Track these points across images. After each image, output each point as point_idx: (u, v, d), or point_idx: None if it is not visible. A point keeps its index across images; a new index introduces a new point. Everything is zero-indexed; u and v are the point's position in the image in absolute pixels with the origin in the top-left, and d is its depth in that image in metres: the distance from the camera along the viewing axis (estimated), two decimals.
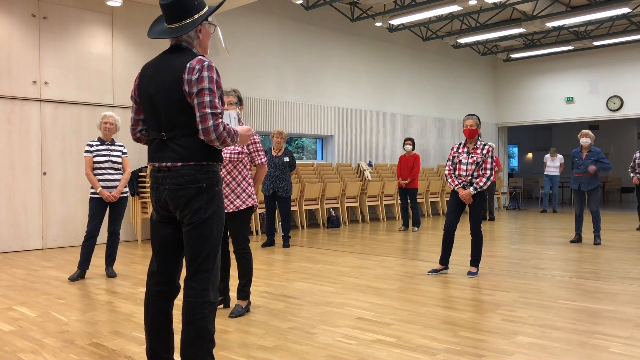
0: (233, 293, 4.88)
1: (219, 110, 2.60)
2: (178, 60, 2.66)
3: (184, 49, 2.73)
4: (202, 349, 2.66)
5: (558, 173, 14.80)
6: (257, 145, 4.41)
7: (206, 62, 2.63)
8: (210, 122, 2.57)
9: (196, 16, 2.69)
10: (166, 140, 2.69)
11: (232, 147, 4.32)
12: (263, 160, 4.45)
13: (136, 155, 9.09)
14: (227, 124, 2.67)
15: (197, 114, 2.58)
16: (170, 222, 2.79)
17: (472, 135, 5.94)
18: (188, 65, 2.61)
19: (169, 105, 2.66)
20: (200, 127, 2.58)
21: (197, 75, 2.59)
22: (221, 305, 4.64)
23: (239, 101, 4.41)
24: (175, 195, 2.67)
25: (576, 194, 8.61)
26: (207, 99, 2.58)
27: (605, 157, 8.46)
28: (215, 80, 2.63)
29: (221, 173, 4.32)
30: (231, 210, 4.32)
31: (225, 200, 4.31)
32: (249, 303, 4.50)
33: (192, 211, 2.66)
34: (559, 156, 14.86)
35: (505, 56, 17.27)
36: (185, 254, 2.75)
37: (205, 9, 2.74)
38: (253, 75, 11.11)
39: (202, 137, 2.60)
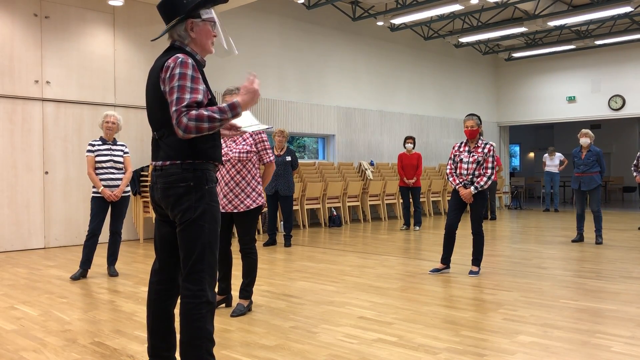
0: (235, 292, 4.88)
1: (183, 105, 2.50)
2: (161, 60, 2.68)
3: (176, 48, 2.74)
4: (201, 349, 2.66)
5: (558, 171, 14.79)
6: (265, 143, 4.43)
7: (180, 59, 2.59)
8: (174, 120, 2.51)
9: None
10: (158, 140, 2.72)
11: (241, 146, 4.32)
12: (271, 158, 4.45)
13: (137, 154, 9.10)
14: (196, 111, 2.50)
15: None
16: (168, 220, 2.80)
17: (473, 135, 5.94)
18: (165, 64, 2.62)
19: (154, 106, 2.69)
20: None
21: (169, 73, 2.59)
22: (223, 305, 4.64)
23: None
24: (165, 194, 2.68)
25: (577, 193, 8.60)
26: (175, 96, 2.54)
27: (603, 157, 8.48)
28: (190, 76, 2.56)
29: (231, 172, 4.33)
30: (242, 210, 4.33)
31: (236, 200, 4.33)
32: (251, 302, 4.51)
33: (181, 211, 2.66)
34: (558, 154, 14.85)
35: (507, 55, 17.26)
36: (180, 255, 2.75)
37: None
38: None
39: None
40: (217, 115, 2.51)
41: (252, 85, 2.64)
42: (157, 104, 2.67)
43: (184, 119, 2.47)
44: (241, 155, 4.31)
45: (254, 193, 4.36)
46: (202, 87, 2.60)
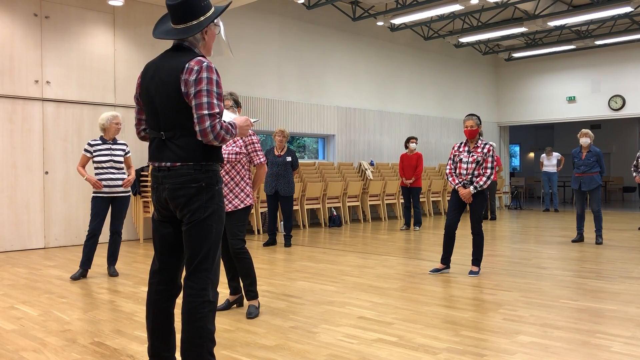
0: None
1: (216, 111, 2.59)
2: (177, 60, 2.66)
3: (185, 49, 2.73)
4: (202, 348, 2.66)
5: (555, 171, 14.80)
6: (256, 145, 4.40)
7: (205, 63, 2.62)
8: (207, 124, 2.56)
9: (202, 18, 2.69)
10: (165, 140, 2.70)
11: (230, 148, 4.32)
12: (262, 160, 4.44)
13: (137, 154, 9.10)
14: (224, 122, 2.66)
15: (195, 116, 2.59)
16: (171, 221, 2.80)
17: (472, 135, 5.94)
18: (187, 65, 2.62)
19: (167, 106, 2.67)
20: (197, 128, 2.58)
21: (194, 76, 2.59)
22: (235, 305, 4.64)
23: (236, 104, 4.41)
24: (175, 194, 2.68)
25: (577, 193, 8.61)
26: (205, 100, 2.57)
27: (603, 157, 8.50)
28: (215, 81, 2.62)
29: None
30: (229, 210, 4.31)
31: (224, 201, 4.31)
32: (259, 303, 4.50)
33: (191, 210, 2.67)
34: (555, 154, 14.86)
35: (507, 55, 17.26)
36: (184, 253, 2.75)
37: (212, 10, 2.74)
38: (254, 75, 11.12)
39: (200, 139, 2.60)
40: (233, 131, 2.69)
41: (245, 122, 2.86)
42: (172, 105, 2.65)
43: (218, 126, 2.59)
44: (230, 156, 4.30)
45: (242, 194, 4.34)
46: (222, 92, 2.71)
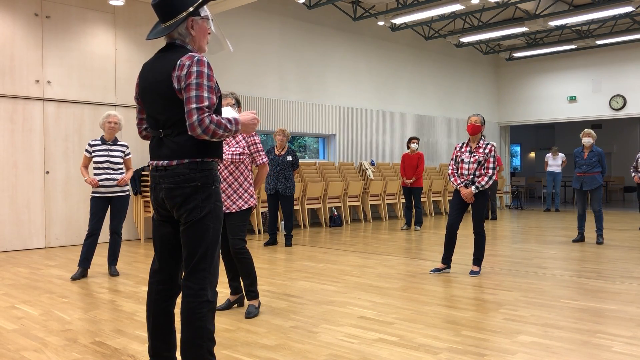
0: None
1: (205, 104, 2.55)
2: (170, 58, 2.66)
3: (177, 47, 2.73)
4: (202, 348, 2.66)
5: (560, 170, 14.81)
6: (258, 145, 4.42)
7: (196, 57, 2.61)
8: (194, 118, 2.53)
9: (184, 13, 2.69)
10: (163, 138, 2.70)
11: (234, 149, 4.32)
12: (264, 160, 4.45)
13: (138, 154, 9.11)
14: (216, 116, 2.59)
15: (185, 110, 2.57)
16: (170, 221, 2.80)
17: (475, 131, 5.93)
18: (178, 62, 2.61)
19: (163, 104, 2.67)
20: (187, 123, 2.57)
21: (185, 71, 2.58)
22: (235, 305, 4.64)
23: (237, 103, 4.43)
24: (171, 194, 2.67)
25: (578, 193, 8.61)
26: (193, 94, 2.55)
27: (605, 157, 8.50)
28: (206, 74, 2.59)
29: (224, 174, 4.33)
30: (233, 211, 4.32)
31: (228, 201, 4.32)
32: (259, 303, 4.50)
33: (188, 210, 2.66)
34: (561, 155, 14.86)
35: (508, 55, 17.26)
36: (183, 253, 2.75)
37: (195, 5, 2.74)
38: (255, 75, 11.12)
39: (190, 133, 2.58)
40: (229, 126, 2.62)
41: (252, 121, 2.79)
42: (165, 102, 2.65)
43: (207, 120, 2.54)
44: (234, 157, 4.31)
45: (246, 194, 4.35)
46: (215, 86, 2.65)
